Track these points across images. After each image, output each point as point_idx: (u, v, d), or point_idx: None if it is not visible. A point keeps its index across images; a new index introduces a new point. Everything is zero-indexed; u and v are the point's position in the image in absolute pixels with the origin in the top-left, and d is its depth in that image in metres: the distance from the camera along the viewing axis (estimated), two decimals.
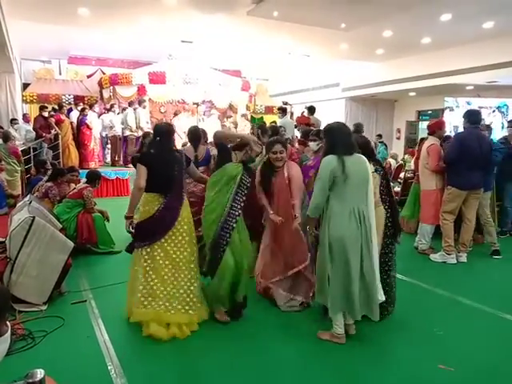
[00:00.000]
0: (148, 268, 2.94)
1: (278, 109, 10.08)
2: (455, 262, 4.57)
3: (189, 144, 4.63)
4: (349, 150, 2.71)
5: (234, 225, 2.97)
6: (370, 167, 2.87)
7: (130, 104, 10.04)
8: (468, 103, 8.99)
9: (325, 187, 2.67)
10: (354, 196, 2.69)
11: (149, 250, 2.96)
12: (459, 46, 9.38)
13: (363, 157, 2.81)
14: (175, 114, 10.58)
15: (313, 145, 3.91)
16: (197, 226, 4.42)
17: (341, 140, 2.71)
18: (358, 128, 7.45)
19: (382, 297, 2.84)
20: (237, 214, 2.99)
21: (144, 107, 10.08)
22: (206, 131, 5.17)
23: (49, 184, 4.97)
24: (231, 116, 11.60)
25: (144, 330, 2.86)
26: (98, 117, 10.04)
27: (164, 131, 3.16)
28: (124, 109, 10.28)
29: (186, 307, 2.94)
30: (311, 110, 7.71)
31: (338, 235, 2.66)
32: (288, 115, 9.67)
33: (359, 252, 2.68)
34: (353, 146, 2.77)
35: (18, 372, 1.54)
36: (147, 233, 2.96)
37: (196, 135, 4.53)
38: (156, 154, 3.07)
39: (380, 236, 3.00)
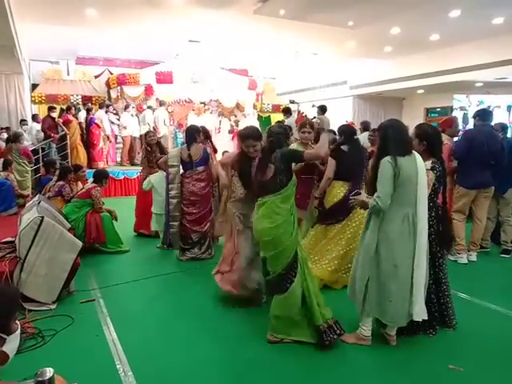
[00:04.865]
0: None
1: (282, 110, 10.02)
2: (466, 261, 4.49)
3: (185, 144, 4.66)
4: (404, 151, 2.53)
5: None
6: (427, 164, 2.69)
7: (149, 106, 10.25)
8: (481, 102, 8.86)
9: (390, 190, 2.48)
10: (408, 200, 2.54)
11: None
12: (468, 42, 9.27)
13: (416, 155, 2.62)
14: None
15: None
16: (196, 224, 4.45)
17: (395, 139, 2.53)
18: (366, 126, 7.40)
19: (424, 314, 2.63)
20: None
21: (166, 108, 10.31)
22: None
23: (61, 183, 5.16)
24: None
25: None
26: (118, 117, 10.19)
27: (350, 132, 3.99)
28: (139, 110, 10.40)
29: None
30: (323, 109, 7.63)
31: (388, 240, 2.53)
32: (295, 114, 9.60)
33: (411, 259, 2.54)
34: (408, 145, 2.58)
35: (27, 370, 1.55)
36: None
37: (190, 134, 4.54)
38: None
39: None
